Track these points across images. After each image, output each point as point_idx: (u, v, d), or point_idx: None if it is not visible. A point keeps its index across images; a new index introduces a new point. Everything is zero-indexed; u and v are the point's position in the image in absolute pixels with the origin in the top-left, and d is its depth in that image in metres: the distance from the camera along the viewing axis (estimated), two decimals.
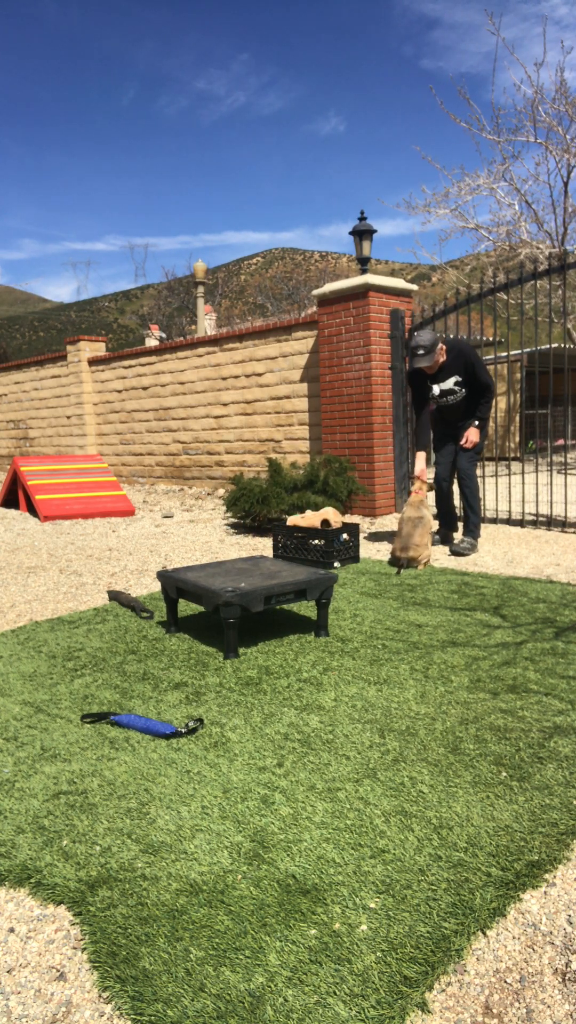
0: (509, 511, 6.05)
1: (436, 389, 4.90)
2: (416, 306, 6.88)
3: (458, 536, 5.36)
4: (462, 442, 4.92)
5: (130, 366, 9.85)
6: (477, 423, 4.90)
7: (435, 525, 5.42)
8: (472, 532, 4.94)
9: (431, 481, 5.12)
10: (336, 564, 4.56)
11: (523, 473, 6.16)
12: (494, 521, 6.02)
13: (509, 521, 5.94)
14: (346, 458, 6.51)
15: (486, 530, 5.70)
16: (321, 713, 2.36)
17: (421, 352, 4.70)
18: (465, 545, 4.83)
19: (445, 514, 5.27)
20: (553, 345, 11.07)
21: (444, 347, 4.84)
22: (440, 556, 4.86)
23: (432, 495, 5.65)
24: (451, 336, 6.00)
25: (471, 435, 4.87)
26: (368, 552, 5.10)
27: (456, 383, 4.84)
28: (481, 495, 7.45)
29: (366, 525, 6.30)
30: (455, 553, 4.81)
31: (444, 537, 5.28)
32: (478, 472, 10.61)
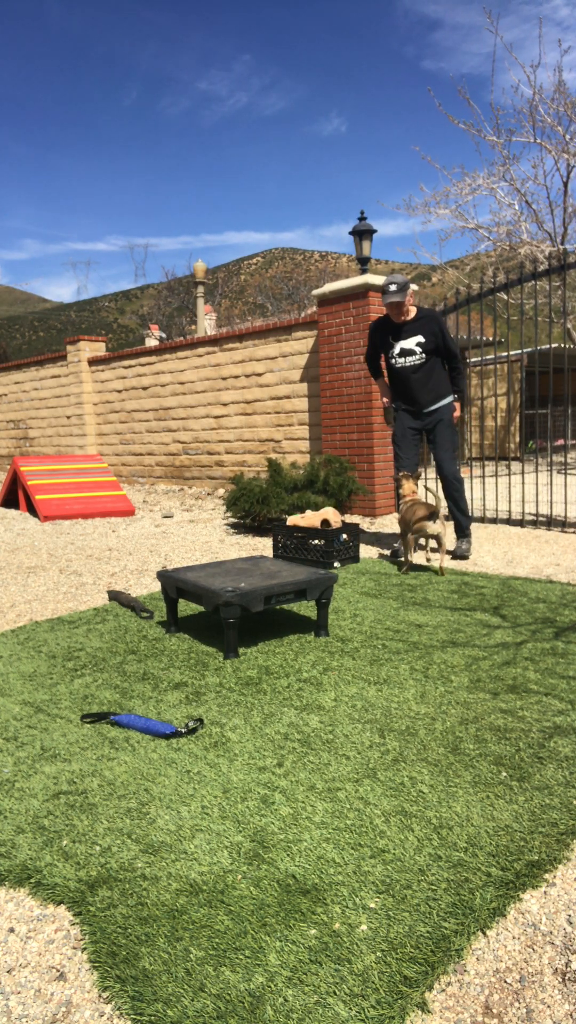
0: (509, 511, 6.05)
1: (397, 347, 4.75)
2: None
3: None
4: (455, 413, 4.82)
5: (130, 366, 9.85)
6: (456, 397, 4.81)
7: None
8: (467, 535, 4.84)
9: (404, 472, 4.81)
10: (336, 564, 4.56)
11: (523, 473, 6.16)
12: (494, 521, 6.02)
13: (509, 521, 5.94)
14: (346, 458, 6.51)
15: (486, 530, 5.70)
16: (321, 713, 2.36)
17: (393, 288, 4.59)
18: (466, 547, 4.76)
19: None
20: (553, 345, 11.07)
21: (413, 305, 4.75)
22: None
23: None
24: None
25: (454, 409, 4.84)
26: (368, 552, 5.09)
27: (418, 344, 4.69)
28: (481, 495, 7.45)
29: (366, 525, 6.31)
30: (457, 557, 4.71)
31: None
32: (477, 472, 10.62)
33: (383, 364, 4.97)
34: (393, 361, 4.80)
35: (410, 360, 4.74)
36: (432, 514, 4.19)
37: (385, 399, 4.95)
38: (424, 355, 4.71)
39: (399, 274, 4.71)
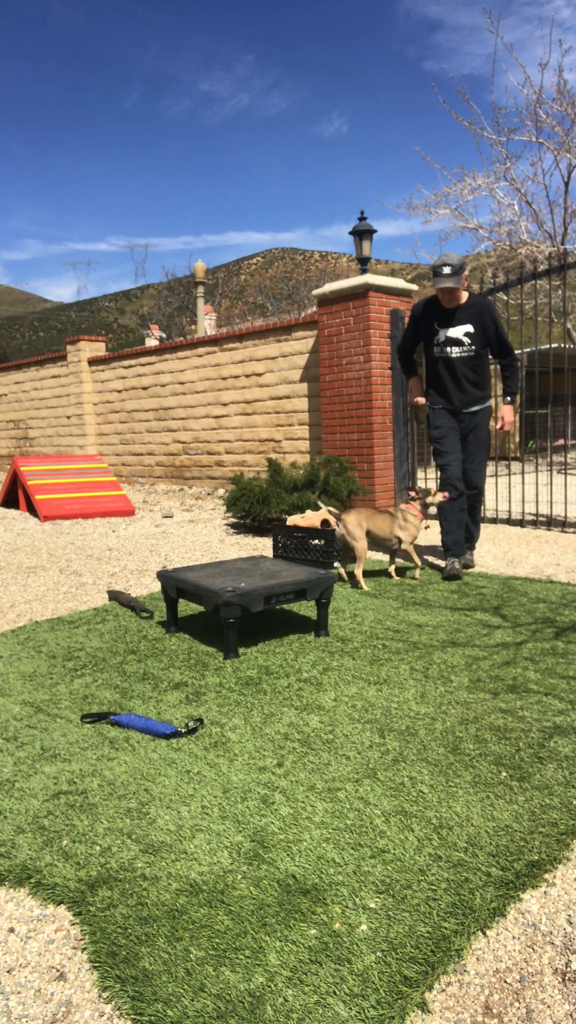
0: (509, 511, 6.05)
1: (442, 335, 4.28)
2: None
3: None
4: (499, 426, 4.39)
5: (130, 366, 9.85)
6: (510, 399, 4.32)
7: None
8: (472, 546, 4.56)
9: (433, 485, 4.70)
10: (336, 564, 4.56)
11: (523, 473, 6.16)
12: (494, 521, 6.03)
13: (509, 521, 5.94)
14: (346, 458, 6.51)
15: (486, 530, 5.70)
16: (321, 713, 2.36)
17: (447, 271, 4.07)
18: (470, 557, 4.53)
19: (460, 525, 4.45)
20: (553, 345, 11.06)
21: (466, 290, 4.25)
22: (440, 558, 4.85)
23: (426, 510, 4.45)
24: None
25: (507, 414, 4.34)
26: (368, 552, 5.09)
27: (466, 334, 4.24)
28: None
29: None
30: (463, 567, 4.45)
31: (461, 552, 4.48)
32: None
33: (409, 359, 4.55)
34: (436, 350, 4.32)
35: (456, 351, 4.28)
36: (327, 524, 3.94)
37: (419, 399, 4.51)
38: (472, 347, 4.26)
39: (454, 253, 4.17)
